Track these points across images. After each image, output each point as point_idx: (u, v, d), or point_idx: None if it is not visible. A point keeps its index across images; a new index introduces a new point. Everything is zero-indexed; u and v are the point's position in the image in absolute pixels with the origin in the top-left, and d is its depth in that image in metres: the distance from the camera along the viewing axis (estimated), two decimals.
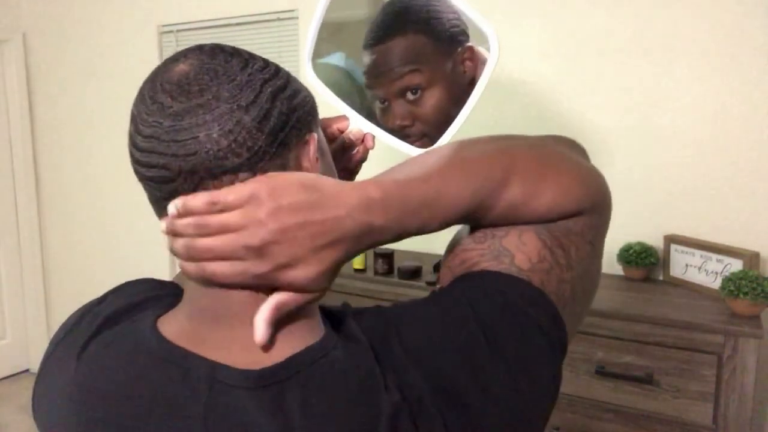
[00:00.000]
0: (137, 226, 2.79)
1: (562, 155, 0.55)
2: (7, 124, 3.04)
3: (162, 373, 0.47)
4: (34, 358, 3.20)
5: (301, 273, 0.44)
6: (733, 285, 1.32)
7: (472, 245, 0.54)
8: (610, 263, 1.72)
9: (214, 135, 0.44)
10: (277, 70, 0.49)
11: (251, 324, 0.46)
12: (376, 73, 0.92)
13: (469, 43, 0.91)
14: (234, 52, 0.48)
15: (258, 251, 0.43)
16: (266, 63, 0.49)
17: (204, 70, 0.46)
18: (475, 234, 0.55)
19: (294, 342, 0.47)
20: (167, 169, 0.45)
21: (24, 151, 3.04)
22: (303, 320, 0.48)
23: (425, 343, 0.47)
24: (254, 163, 0.45)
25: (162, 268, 2.72)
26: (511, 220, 0.53)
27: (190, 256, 0.44)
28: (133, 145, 0.47)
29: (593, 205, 0.55)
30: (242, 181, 0.45)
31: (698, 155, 1.62)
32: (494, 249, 0.52)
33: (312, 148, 0.50)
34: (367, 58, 0.93)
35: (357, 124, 0.84)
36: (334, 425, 0.44)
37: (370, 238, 0.46)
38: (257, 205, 0.43)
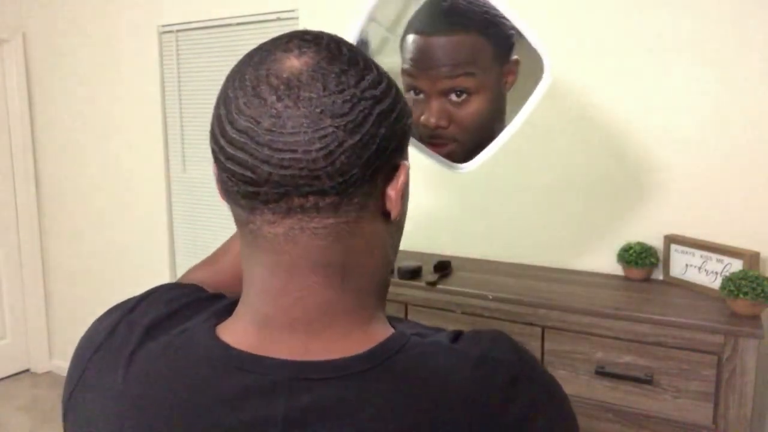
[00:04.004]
0: (137, 225, 2.78)
1: None
2: (7, 124, 3.04)
3: (230, 379, 0.44)
4: (34, 358, 3.19)
5: None
6: (733, 285, 1.32)
7: None
8: (610, 263, 1.73)
9: (313, 153, 0.41)
10: (389, 86, 0.47)
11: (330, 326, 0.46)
12: (425, 64, 0.85)
13: (516, 57, 0.86)
14: (351, 60, 0.44)
15: None
16: (380, 76, 0.46)
17: (318, 75, 0.42)
18: None
19: (372, 336, 0.47)
20: (254, 172, 0.42)
21: (24, 151, 3.04)
22: (375, 321, 0.49)
23: None
24: (344, 189, 0.43)
25: (162, 267, 2.72)
26: None
27: None
28: (221, 131, 0.44)
29: None
30: (328, 203, 0.43)
31: (698, 155, 1.62)
32: None
33: (402, 179, 0.47)
34: (415, 44, 0.85)
35: None
36: (430, 407, 0.42)
37: None
38: None
